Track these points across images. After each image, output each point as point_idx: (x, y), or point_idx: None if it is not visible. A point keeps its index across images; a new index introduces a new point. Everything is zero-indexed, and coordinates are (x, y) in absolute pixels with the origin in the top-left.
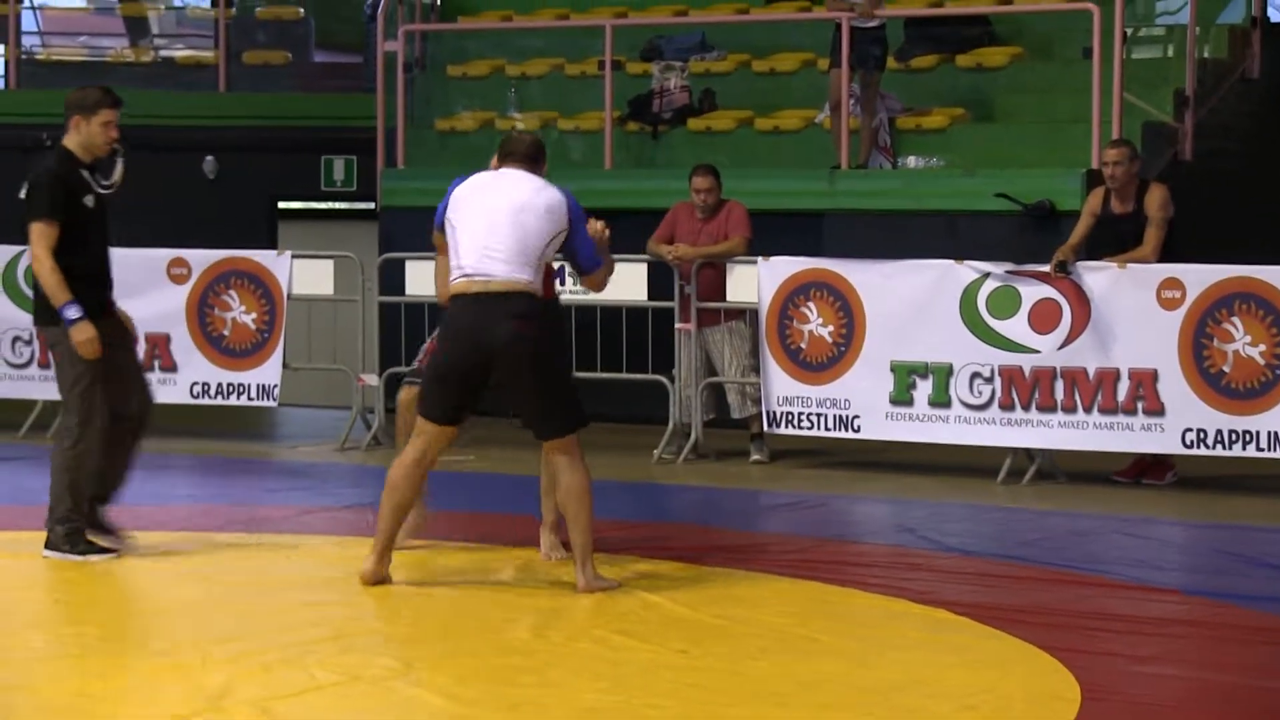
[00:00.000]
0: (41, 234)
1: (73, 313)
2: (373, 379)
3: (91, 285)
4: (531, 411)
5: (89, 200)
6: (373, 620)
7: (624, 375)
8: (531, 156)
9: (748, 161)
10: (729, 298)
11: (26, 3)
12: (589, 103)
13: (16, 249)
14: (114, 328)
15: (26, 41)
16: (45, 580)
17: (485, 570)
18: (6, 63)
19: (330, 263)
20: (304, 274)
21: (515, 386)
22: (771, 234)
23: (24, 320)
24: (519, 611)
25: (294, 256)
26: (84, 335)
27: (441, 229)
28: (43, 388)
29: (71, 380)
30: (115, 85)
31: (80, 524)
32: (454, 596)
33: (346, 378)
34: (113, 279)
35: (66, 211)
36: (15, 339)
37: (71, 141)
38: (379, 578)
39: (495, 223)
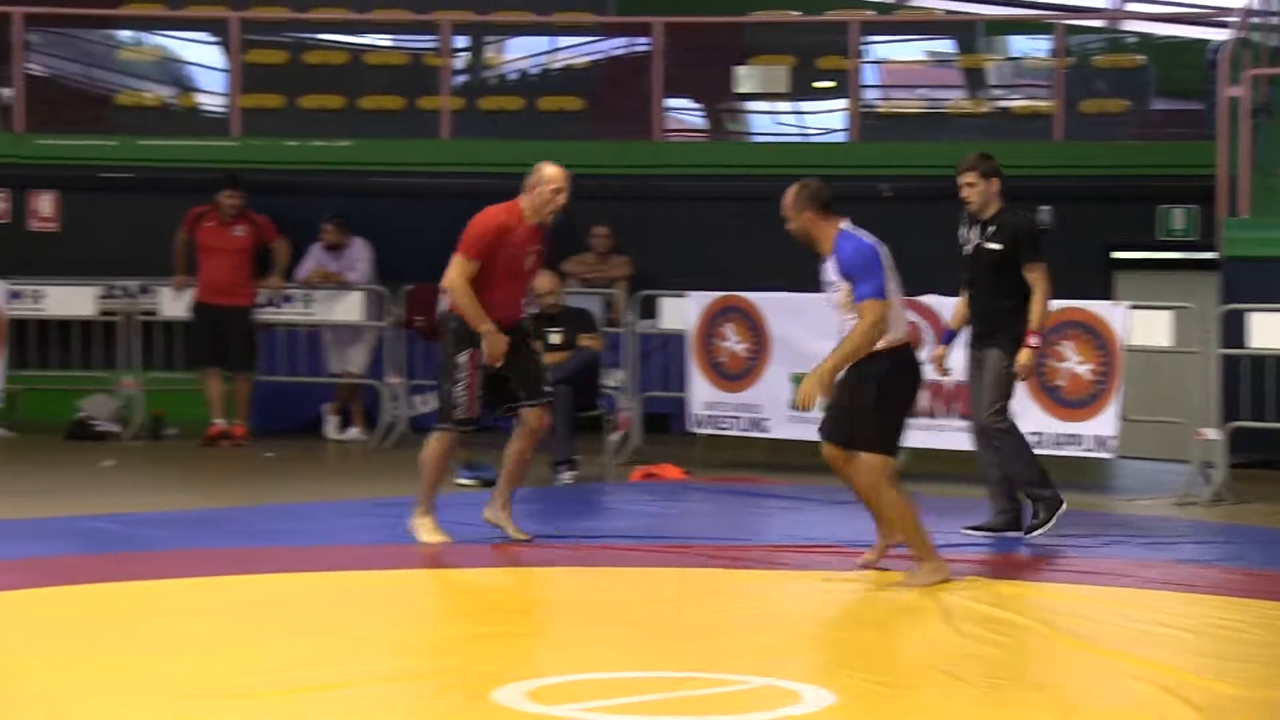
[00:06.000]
0: None
1: None
2: (1213, 433)
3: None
4: None
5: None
6: None
7: None
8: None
9: None
10: None
11: (868, 57)
12: None
13: None
14: None
15: (868, 95)
16: None
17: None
18: (849, 115)
19: (1169, 314)
20: (1141, 325)
21: None
22: None
23: None
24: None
25: (1131, 307)
26: None
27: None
28: None
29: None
30: (951, 136)
31: None
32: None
33: (1184, 431)
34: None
35: None
36: None
37: None
38: None
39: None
